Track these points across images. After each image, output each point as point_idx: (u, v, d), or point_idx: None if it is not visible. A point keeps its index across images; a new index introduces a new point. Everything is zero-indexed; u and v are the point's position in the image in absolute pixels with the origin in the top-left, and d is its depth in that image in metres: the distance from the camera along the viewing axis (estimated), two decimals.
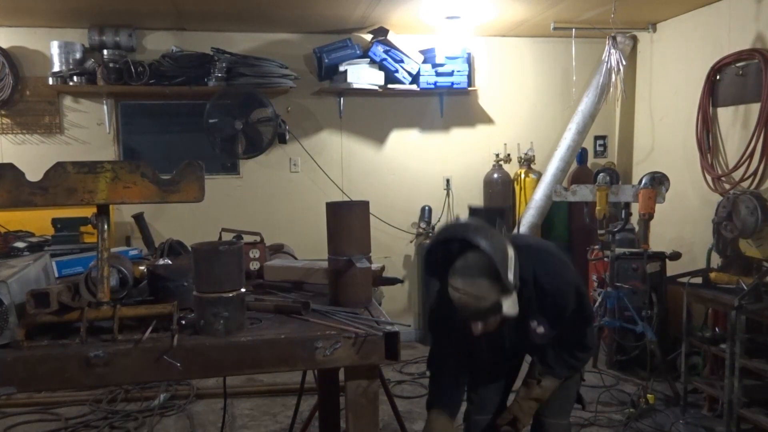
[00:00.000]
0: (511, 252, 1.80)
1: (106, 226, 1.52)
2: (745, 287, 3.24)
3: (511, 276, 1.76)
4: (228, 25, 4.71)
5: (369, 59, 4.73)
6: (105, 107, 4.69)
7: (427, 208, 5.14)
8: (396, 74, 4.74)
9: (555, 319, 1.97)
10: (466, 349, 2.10)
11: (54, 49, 4.45)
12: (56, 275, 1.94)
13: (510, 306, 1.79)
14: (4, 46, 4.49)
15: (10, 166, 1.43)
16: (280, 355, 1.48)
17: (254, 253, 2.21)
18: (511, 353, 2.18)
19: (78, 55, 4.48)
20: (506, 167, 5.17)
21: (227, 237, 2.50)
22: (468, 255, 1.75)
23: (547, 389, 2.08)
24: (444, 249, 1.81)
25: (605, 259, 4.23)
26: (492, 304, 1.75)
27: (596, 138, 5.41)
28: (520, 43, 5.24)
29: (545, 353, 2.06)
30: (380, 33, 4.77)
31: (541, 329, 1.96)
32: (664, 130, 4.88)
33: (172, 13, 4.32)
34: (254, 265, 2.20)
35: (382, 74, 4.73)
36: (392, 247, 5.14)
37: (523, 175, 5.09)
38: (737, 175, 3.99)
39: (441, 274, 1.84)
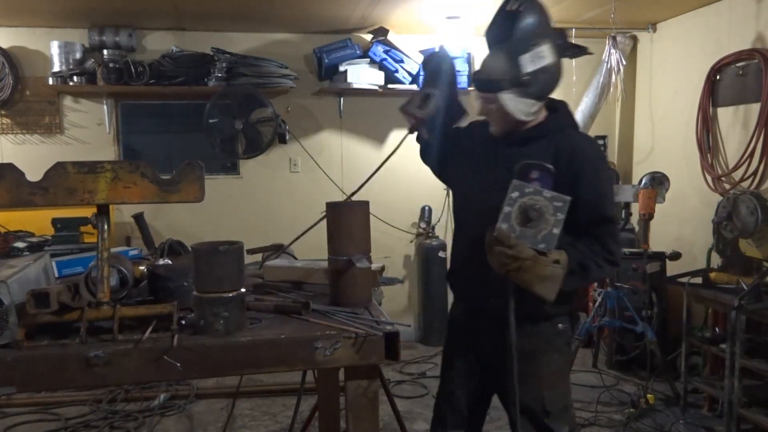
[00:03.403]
0: (545, 62, 1.89)
1: (106, 226, 1.51)
2: (745, 287, 3.24)
3: (529, 68, 1.85)
4: (228, 25, 4.71)
5: (369, 59, 4.72)
6: (105, 107, 4.69)
7: (427, 208, 5.14)
8: (396, 74, 4.74)
9: (561, 183, 1.68)
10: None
11: (54, 49, 4.45)
12: (56, 275, 1.94)
13: (512, 100, 1.87)
14: (4, 46, 4.49)
15: (10, 166, 1.43)
16: (280, 355, 1.48)
17: None
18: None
19: (78, 55, 4.48)
20: None
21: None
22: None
23: (555, 266, 1.62)
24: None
25: None
26: (500, 75, 1.86)
27: (596, 138, 5.40)
28: None
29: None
30: (380, 33, 4.77)
31: (535, 173, 1.69)
32: (664, 130, 4.88)
33: (172, 13, 4.32)
34: None
35: (382, 74, 4.73)
36: (392, 247, 5.14)
37: None
38: (737, 175, 3.98)
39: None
